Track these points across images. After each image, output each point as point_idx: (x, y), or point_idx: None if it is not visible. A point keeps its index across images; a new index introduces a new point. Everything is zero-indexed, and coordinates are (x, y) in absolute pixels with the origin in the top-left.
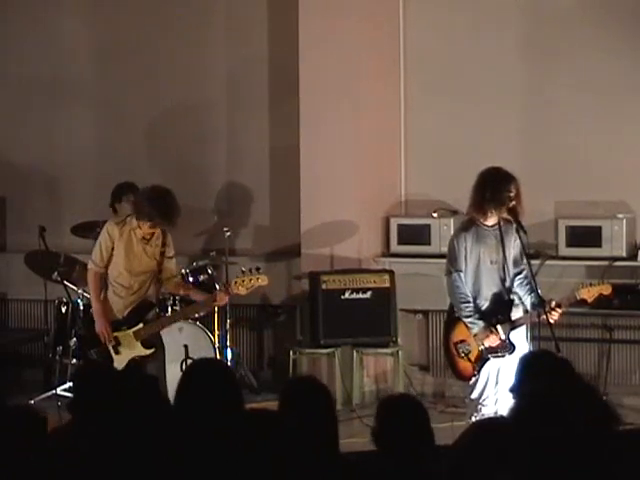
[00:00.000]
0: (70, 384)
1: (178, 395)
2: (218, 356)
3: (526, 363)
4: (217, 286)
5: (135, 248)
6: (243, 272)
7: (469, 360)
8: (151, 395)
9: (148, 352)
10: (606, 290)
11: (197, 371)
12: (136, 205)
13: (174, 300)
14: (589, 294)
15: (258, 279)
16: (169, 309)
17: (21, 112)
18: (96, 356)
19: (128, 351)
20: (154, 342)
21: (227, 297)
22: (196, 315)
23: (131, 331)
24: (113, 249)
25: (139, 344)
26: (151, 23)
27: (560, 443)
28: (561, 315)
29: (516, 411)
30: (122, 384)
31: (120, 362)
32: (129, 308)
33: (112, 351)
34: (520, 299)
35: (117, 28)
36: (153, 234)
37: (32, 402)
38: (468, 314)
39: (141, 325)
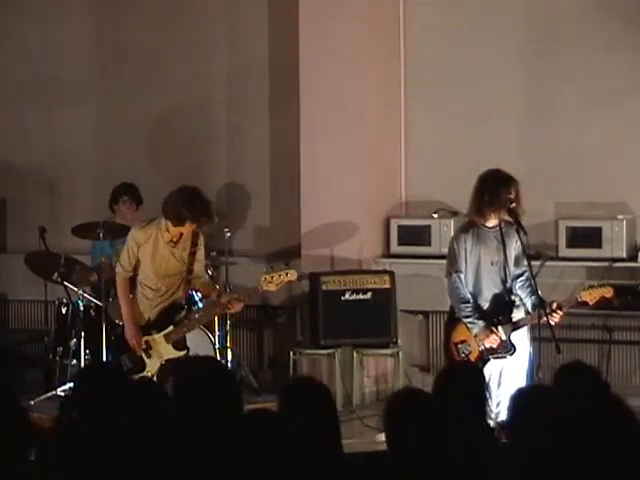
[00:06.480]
0: (70, 385)
1: (176, 395)
2: (218, 357)
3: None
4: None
5: (161, 251)
6: (272, 268)
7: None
8: (152, 397)
9: (180, 354)
10: (608, 293)
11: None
12: (167, 209)
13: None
14: (590, 297)
15: (287, 274)
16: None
17: (21, 112)
18: (128, 362)
19: (160, 354)
20: (185, 344)
21: (241, 305)
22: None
23: (162, 334)
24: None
25: (170, 347)
26: (151, 23)
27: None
28: (562, 317)
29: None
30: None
31: (153, 366)
32: (157, 309)
33: (144, 355)
34: (521, 300)
35: (117, 28)
36: (181, 236)
37: (32, 403)
38: (468, 314)
39: (171, 328)
